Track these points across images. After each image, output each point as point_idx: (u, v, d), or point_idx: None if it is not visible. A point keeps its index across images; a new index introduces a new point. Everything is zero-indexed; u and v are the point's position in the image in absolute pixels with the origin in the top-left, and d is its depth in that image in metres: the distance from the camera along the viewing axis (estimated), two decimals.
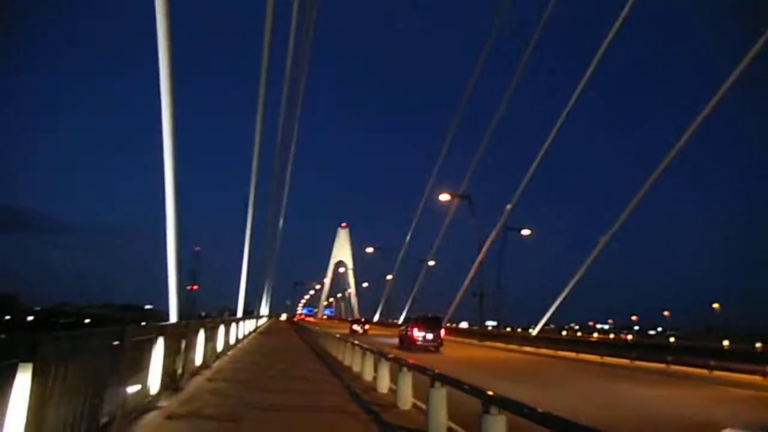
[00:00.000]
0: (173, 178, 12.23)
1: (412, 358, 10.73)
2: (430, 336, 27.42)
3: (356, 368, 13.84)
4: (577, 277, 33.14)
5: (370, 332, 46.36)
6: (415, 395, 8.97)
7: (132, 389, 6.68)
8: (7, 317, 73.59)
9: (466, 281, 45.09)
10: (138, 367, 6.90)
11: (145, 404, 7.29)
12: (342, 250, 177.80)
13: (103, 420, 5.53)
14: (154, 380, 7.56)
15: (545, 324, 38.24)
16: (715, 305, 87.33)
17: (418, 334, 27.93)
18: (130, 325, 6.87)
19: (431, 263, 61.08)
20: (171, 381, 9.10)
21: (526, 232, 48.61)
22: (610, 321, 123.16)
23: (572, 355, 26.56)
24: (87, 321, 77.57)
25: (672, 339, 53.00)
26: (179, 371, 9.59)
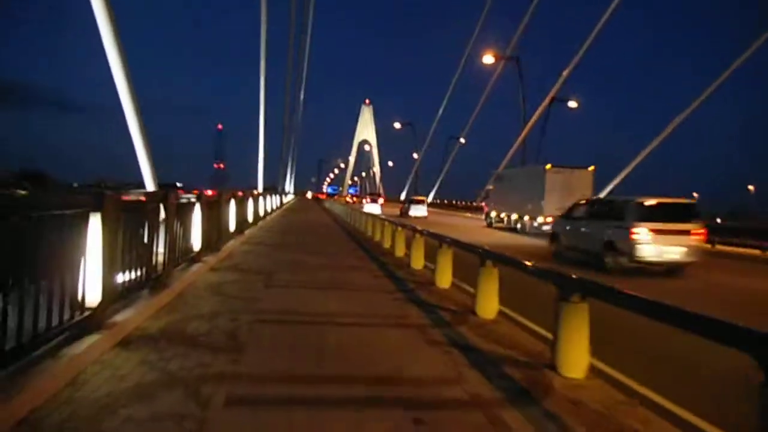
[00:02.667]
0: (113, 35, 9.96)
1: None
2: (373, 202, 50.34)
3: (345, 218, 28.49)
4: (640, 158, 29.30)
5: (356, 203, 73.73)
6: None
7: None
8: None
9: (506, 158, 41.37)
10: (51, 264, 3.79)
11: (83, 326, 4.27)
12: (366, 128, 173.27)
13: None
14: (91, 284, 4.46)
15: None
16: (750, 187, 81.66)
17: (365, 202, 53.76)
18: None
19: (462, 141, 57.44)
20: (147, 276, 6.12)
21: (572, 104, 43.97)
22: None
23: None
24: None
25: (718, 220, 49.07)
26: (156, 260, 6.56)
